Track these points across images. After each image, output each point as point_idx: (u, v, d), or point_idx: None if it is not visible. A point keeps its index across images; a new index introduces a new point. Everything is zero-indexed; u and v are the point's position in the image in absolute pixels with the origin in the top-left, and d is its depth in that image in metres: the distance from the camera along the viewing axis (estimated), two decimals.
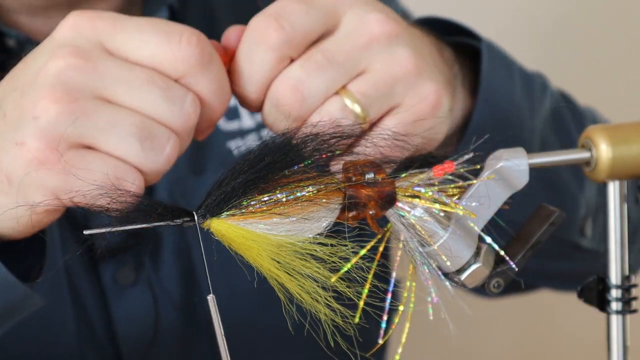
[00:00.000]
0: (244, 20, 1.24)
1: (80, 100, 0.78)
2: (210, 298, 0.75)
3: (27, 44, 1.10)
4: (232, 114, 1.19)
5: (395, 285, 0.90)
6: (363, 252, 0.89)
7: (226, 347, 0.75)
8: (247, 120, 1.20)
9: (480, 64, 0.99)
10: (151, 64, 0.80)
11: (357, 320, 0.80)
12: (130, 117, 0.79)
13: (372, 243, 0.88)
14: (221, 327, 0.74)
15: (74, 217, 1.05)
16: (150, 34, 0.81)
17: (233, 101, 1.20)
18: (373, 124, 0.86)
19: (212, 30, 1.21)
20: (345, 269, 0.89)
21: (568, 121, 1.14)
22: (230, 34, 0.89)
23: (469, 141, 0.92)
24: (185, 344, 1.15)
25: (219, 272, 1.12)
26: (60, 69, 0.79)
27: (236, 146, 1.19)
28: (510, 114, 1.02)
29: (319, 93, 0.84)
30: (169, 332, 1.14)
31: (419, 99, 0.86)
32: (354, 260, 0.89)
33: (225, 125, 1.19)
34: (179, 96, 0.80)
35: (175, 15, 1.16)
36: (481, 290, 0.87)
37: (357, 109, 0.85)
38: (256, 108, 0.87)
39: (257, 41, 0.85)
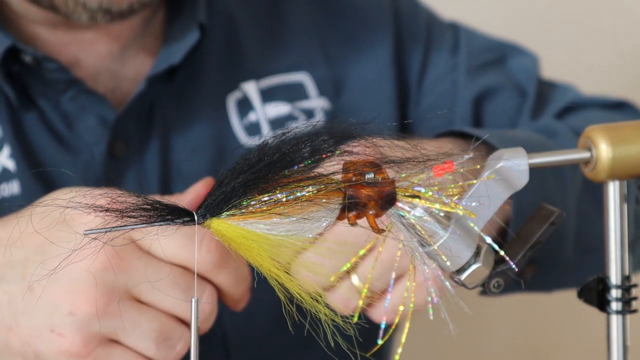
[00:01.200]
0: (265, 31, 1.24)
1: (113, 301, 0.86)
2: (194, 300, 0.75)
3: (44, 61, 1.10)
4: (254, 130, 1.20)
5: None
6: (363, 252, 0.89)
7: (197, 352, 0.76)
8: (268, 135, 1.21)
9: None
10: (175, 263, 0.89)
11: (355, 319, 0.80)
12: (151, 323, 0.88)
13: (371, 243, 0.88)
14: (197, 331, 0.76)
15: None
16: (174, 239, 0.88)
17: (254, 117, 1.21)
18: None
19: (236, 46, 1.22)
20: (345, 268, 0.89)
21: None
22: None
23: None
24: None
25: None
26: (95, 266, 0.86)
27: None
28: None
29: None
30: None
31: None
32: (353, 259, 0.89)
33: (248, 140, 1.20)
34: (198, 292, 0.89)
35: (203, 31, 1.17)
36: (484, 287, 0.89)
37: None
38: None
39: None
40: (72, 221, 0.86)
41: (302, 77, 1.24)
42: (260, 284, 0.78)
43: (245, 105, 1.21)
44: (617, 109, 1.28)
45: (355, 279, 0.92)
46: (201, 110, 1.19)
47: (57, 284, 0.86)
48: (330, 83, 1.25)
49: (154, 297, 0.88)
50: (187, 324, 0.90)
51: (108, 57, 1.16)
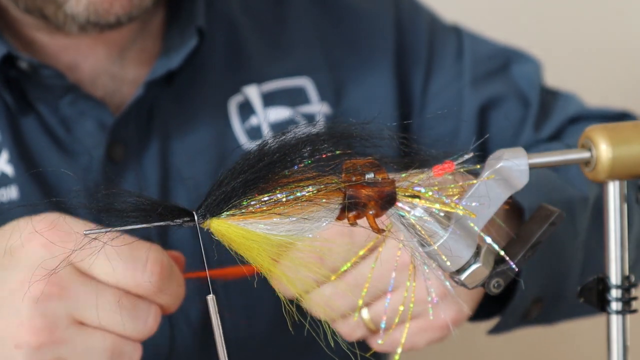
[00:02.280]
0: (267, 34, 1.24)
1: (57, 329, 0.87)
2: (210, 298, 0.75)
3: (40, 68, 1.11)
4: (255, 134, 1.20)
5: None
6: (363, 252, 0.89)
7: (225, 350, 0.75)
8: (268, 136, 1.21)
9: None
10: (118, 286, 0.89)
11: (355, 319, 0.80)
12: (102, 342, 0.89)
13: (371, 243, 0.88)
14: (221, 329, 0.75)
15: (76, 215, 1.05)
16: (117, 262, 0.88)
17: (256, 121, 1.21)
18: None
19: (237, 49, 1.22)
20: (345, 268, 0.89)
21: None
22: None
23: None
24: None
25: (238, 293, 1.13)
26: (36, 296, 0.86)
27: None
28: (553, 253, 1.06)
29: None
30: (184, 354, 1.14)
31: (433, 321, 0.93)
32: (353, 259, 0.89)
33: (248, 142, 1.20)
34: (143, 312, 0.90)
35: (202, 36, 1.16)
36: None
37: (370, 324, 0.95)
38: None
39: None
40: (17, 252, 0.88)
41: (303, 82, 1.24)
42: (260, 283, 0.78)
43: (246, 109, 1.21)
44: (619, 120, 1.28)
45: (365, 312, 0.93)
46: (202, 113, 1.19)
47: (2, 316, 0.87)
48: (332, 88, 1.25)
49: (99, 319, 0.88)
50: (137, 340, 0.91)
51: (107, 61, 1.16)
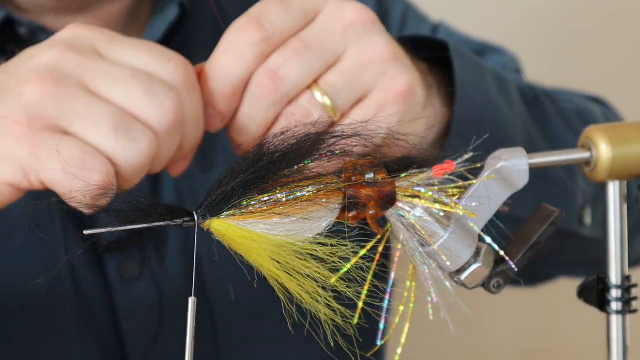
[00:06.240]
0: None
1: (64, 85, 0.80)
2: (191, 300, 0.75)
3: (39, 32, 1.11)
4: None
5: (394, 286, 0.91)
6: (363, 252, 0.89)
7: (192, 351, 0.76)
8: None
9: (453, 71, 1.00)
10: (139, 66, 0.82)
11: (356, 321, 0.80)
12: (108, 106, 0.80)
13: (372, 243, 0.88)
14: (193, 331, 0.74)
15: (77, 214, 1.05)
16: (142, 51, 0.83)
17: None
18: (343, 115, 0.87)
19: (221, 28, 1.22)
20: (346, 269, 0.89)
21: (547, 109, 1.16)
22: None
23: (452, 145, 0.93)
24: None
25: (226, 265, 1.12)
26: (51, 57, 0.81)
27: None
28: (490, 112, 1.04)
29: (296, 79, 0.86)
30: (173, 326, 1.14)
31: (388, 87, 0.88)
32: (353, 260, 0.89)
33: None
34: (160, 92, 0.81)
35: (185, 13, 1.17)
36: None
37: (327, 101, 0.86)
38: (230, 108, 0.87)
39: (237, 39, 0.87)
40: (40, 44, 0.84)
41: None
42: (259, 284, 0.78)
43: None
44: (593, 102, 1.29)
45: (317, 94, 0.87)
46: None
47: (12, 79, 0.82)
48: None
49: (111, 90, 0.81)
50: (150, 124, 0.81)
51: None
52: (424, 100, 0.91)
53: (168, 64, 0.83)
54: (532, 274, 1.26)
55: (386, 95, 0.87)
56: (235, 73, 0.86)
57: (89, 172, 0.78)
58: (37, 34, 1.11)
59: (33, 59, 0.82)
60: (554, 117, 1.16)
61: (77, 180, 0.77)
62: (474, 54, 1.08)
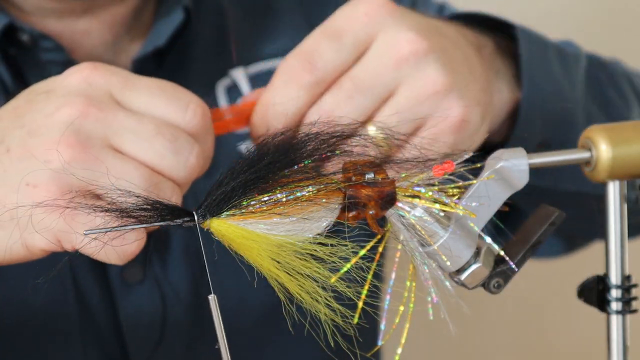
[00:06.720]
0: (253, 17, 1.24)
1: (91, 148, 0.81)
2: (212, 298, 0.75)
3: (41, 39, 1.11)
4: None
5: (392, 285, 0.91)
6: (363, 252, 0.89)
7: (227, 347, 0.75)
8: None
9: (519, 52, 1.02)
10: (159, 117, 0.84)
11: (356, 321, 0.80)
12: (138, 168, 0.82)
13: (372, 243, 0.88)
14: (222, 326, 0.75)
15: None
16: (159, 95, 0.84)
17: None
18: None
19: (225, 34, 1.22)
20: (346, 269, 0.89)
21: (604, 84, 1.15)
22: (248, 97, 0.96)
23: (523, 125, 0.95)
24: (192, 343, 1.15)
25: (229, 273, 1.12)
26: (72, 116, 0.82)
27: (247, 148, 1.20)
28: (554, 91, 1.05)
29: (348, 120, 0.85)
30: (176, 331, 1.13)
31: (442, 119, 0.89)
32: (353, 260, 0.89)
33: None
34: (185, 148, 0.83)
35: (189, 16, 1.17)
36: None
37: (381, 136, 0.87)
38: None
39: (289, 80, 0.89)
40: (56, 83, 0.85)
41: None
42: (259, 283, 0.78)
43: (234, 92, 1.21)
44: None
45: (372, 129, 0.89)
46: None
47: (34, 139, 0.82)
48: None
49: (138, 148, 0.82)
50: (175, 180, 0.84)
51: (101, 46, 1.16)
52: (479, 121, 0.91)
53: (187, 112, 0.84)
54: (572, 239, 1.26)
55: (440, 128, 0.89)
56: (288, 113, 0.88)
57: (123, 240, 0.79)
58: (39, 41, 1.11)
59: (53, 116, 0.82)
60: (607, 86, 1.16)
61: (111, 249, 0.79)
62: (537, 33, 1.09)
